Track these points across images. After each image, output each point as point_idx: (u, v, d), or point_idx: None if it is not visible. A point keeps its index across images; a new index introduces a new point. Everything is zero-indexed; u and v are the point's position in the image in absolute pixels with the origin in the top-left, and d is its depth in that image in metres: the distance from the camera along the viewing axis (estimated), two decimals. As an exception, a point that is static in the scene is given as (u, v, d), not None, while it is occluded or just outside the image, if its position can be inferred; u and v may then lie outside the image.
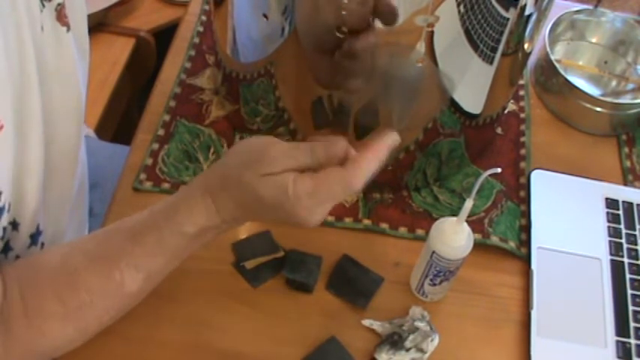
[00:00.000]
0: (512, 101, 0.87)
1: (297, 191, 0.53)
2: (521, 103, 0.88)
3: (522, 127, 0.85)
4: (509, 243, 0.73)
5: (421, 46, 0.59)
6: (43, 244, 0.61)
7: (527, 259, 0.73)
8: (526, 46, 0.68)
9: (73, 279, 0.55)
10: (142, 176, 0.75)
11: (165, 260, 0.57)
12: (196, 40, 0.89)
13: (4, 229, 0.53)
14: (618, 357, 0.67)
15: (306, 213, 0.54)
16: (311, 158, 0.54)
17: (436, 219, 0.65)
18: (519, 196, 0.78)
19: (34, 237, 0.59)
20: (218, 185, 0.56)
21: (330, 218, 0.74)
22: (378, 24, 0.56)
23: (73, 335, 0.56)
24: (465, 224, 0.62)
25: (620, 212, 0.77)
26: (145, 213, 0.58)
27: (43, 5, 0.55)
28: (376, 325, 0.66)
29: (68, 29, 0.59)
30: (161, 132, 0.78)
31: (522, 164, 0.81)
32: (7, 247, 0.56)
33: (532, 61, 0.92)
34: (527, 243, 0.74)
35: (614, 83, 0.93)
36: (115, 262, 0.55)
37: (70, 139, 0.64)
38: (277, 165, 0.53)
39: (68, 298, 0.54)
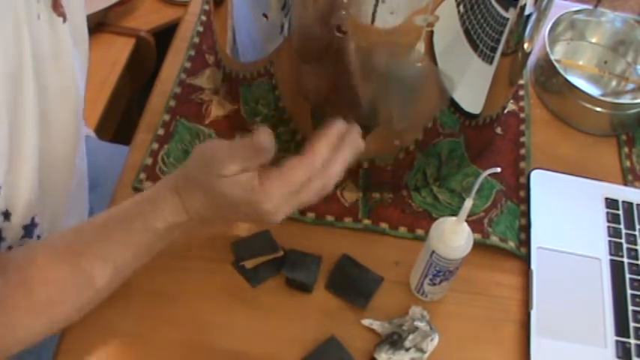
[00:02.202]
0: (512, 101, 0.87)
1: (265, 187, 0.55)
2: (521, 103, 0.88)
3: (522, 127, 0.85)
4: (508, 243, 0.73)
5: (421, 46, 0.59)
6: (39, 238, 0.61)
7: (526, 259, 0.73)
8: (526, 46, 0.68)
9: (42, 274, 0.55)
10: (142, 176, 0.75)
11: (133, 255, 0.58)
12: (196, 40, 0.89)
13: None
14: (618, 357, 0.67)
15: (269, 211, 0.56)
16: (252, 148, 0.55)
17: (436, 219, 0.66)
18: (519, 196, 0.78)
19: (29, 229, 0.59)
20: (183, 186, 0.58)
21: (330, 218, 0.74)
22: (378, 24, 0.56)
23: (39, 329, 0.56)
24: (465, 224, 0.62)
25: (620, 212, 0.77)
26: (114, 209, 0.59)
27: None
28: (376, 325, 0.66)
29: (64, 20, 0.59)
30: (161, 132, 0.78)
31: (522, 164, 0.81)
32: None
33: (532, 61, 0.92)
34: (526, 243, 0.74)
35: (614, 83, 0.93)
36: (85, 256, 0.56)
37: (66, 130, 0.64)
38: (230, 165, 0.55)
39: (37, 292, 0.55)
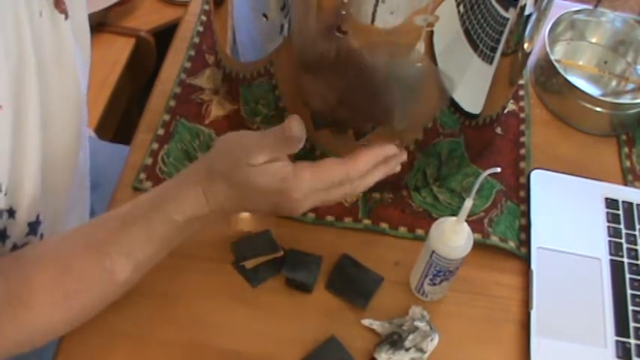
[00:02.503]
0: (512, 101, 0.87)
1: (297, 177, 0.56)
2: (521, 103, 0.88)
3: (522, 127, 0.85)
4: (508, 243, 0.73)
5: (421, 46, 0.59)
6: (42, 236, 0.61)
7: (526, 259, 0.73)
8: (526, 46, 0.68)
9: (61, 268, 0.55)
10: (142, 176, 0.75)
11: (153, 249, 0.58)
12: (196, 40, 0.89)
13: (0, 213, 0.53)
14: (618, 357, 0.67)
15: (297, 200, 0.57)
16: (282, 137, 0.56)
17: (436, 219, 0.66)
18: (519, 196, 0.78)
19: (33, 226, 0.59)
20: (205, 178, 0.58)
21: (330, 218, 0.74)
22: (378, 24, 0.56)
23: (56, 325, 0.56)
24: (465, 224, 0.62)
25: (620, 212, 0.77)
26: (133, 203, 0.59)
27: None
28: (376, 325, 0.66)
29: (66, 17, 0.59)
30: (161, 132, 0.78)
31: (522, 164, 0.81)
32: (3, 235, 0.56)
33: (532, 61, 0.92)
34: (526, 243, 0.74)
35: (614, 83, 0.93)
36: (105, 251, 0.56)
37: (69, 127, 0.64)
38: (259, 155, 0.56)
39: (57, 287, 0.54)
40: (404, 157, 0.64)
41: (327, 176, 0.57)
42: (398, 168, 0.64)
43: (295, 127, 0.55)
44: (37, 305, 0.54)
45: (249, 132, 0.58)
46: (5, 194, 0.52)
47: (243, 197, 0.58)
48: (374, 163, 0.60)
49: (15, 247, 0.58)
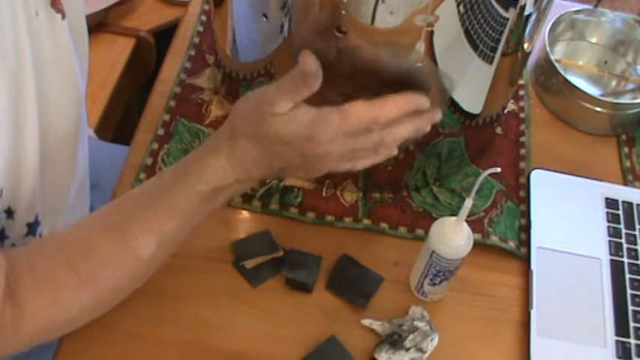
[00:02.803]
0: (512, 101, 0.87)
1: (324, 119, 0.54)
2: (521, 103, 0.88)
3: (522, 127, 0.85)
4: (508, 243, 0.73)
5: (421, 46, 0.59)
6: (41, 236, 0.61)
7: (527, 259, 0.73)
8: (526, 45, 0.68)
9: (84, 250, 0.54)
10: (142, 176, 0.75)
11: (177, 224, 0.56)
12: (196, 40, 0.89)
13: None
14: (618, 357, 0.67)
15: (326, 144, 0.55)
16: (299, 76, 0.54)
17: (436, 219, 0.66)
18: (519, 196, 0.78)
19: (32, 226, 0.59)
20: (228, 143, 0.56)
21: (330, 218, 0.74)
22: (378, 24, 0.56)
23: (87, 304, 0.55)
24: (465, 224, 0.62)
25: (620, 212, 0.77)
26: (155, 178, 0.58)
27: None
28: (376, 325, 0.66)
29: (63, 17, 0.59)
30: (161, 132, 0.78)
31: (522, 164, 0.81)
32: (2, 235, 0.56)
33: (532, 61, 0.92)
34: (526, 243, 0.74)
35: (614, 83, 0.93)
36: (128, 229, 0.55)
37: (67, 127, 0.64)
38: (282, 102, 0.54)
39: (80, 269, 0.54)
40: (438, 116, 0.60)
41: (354, 118, 0.55)
42: (428, 128, 0.60)
43: (309, 62, 0.53)
44: (62, 284, 0.53)
45: (267, 86, 0.56)
46: (1, 196, 0.52)
47: (270, 155, 0.56)
48: (403, 110, 0.56)
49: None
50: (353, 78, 0.61)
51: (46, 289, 0.52)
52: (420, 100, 0.57)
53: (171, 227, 0.56)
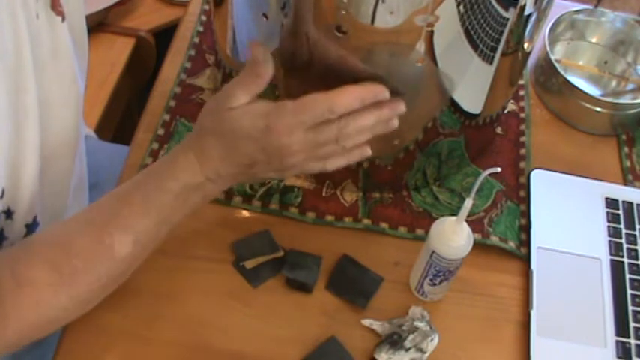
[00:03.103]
0: (512, 101, 0.87)
1: (279, 110, 0.55)
2: (521, 103, 0.88)
3: (522, 127, 0.85)
4: (508, 243, 0.73)
5: (421, 46, 0.59)
6: None
7: (527, 259, 0.73)
8: (526, 46, 0.68)
9: (64, 246, 0.55)
10: (142, 176, 0.75)
11: (152, 222, 0.57)
12: (196, 40, 0.89)
13: None
14: (618, 357, 0.67)
15: (285, 136, 0.55)
16: (250, 67, 0.56)
17: (436, 219, 0.66)
18: (519, 195, 0.78)
19: (31, 227, 0.59)
20: (197, 141, 0.58)
21: (330, 218, 0.74)
22: (378, 24, 0.56)
23: (66, 303, 0.55)
24: (465, 224, 0.62)
25: (620, 212, 0.77)
26: (131, 179, 0.59)
27: None
28: (376, 325, 0.66)
29: (63, 19, 0.59)
30: (161, 132, 0.78)
31: (522, 164, 0.81)
32: (1, 236, 0.56)
33: (532, 61, 0.92)
34: (526, 243, 0.74)
35: (614, 83, 0.93)
36: (105, 226, 0.56)
37: (67, 129, 0.64)
38: (238, 94, 0.56)
39: (60, 265, 0.54)
40: (401, 107, 0.58)
41: (309, 107, 0.54)
42: (395, 123, 0.59)
43: (256, 50, 0.54)
44: (42, 282, 0.53)
45: (227, 83, 0.58)
46: (1, 197, 0.52)
47: (234, 150, 0.57)
48: (360, 99, 0.55)
49: None
50: (330, 76, 0.60)
51: (29, 289, 0.53)
52: (377, 89, 0.56)
53: (146, 225, 0.57)
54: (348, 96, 0.55)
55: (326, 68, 0.60)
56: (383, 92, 0.56)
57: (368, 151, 0.60)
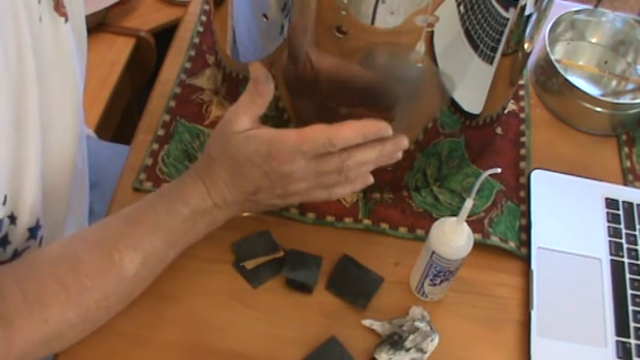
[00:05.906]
0: (512, 101, 0.87)
1: (282, 136, 0.56)
2: (521, 103, 0.88)
3: (522, 127, 0.85)
4: (509, 243, 0.73)
5: (421, 46, 0.59)
6: (42, 239, 0.61)
7: (527, 259, 0.73)
8: (526, 46, 0.68)
9: (73, 264, 0.55)
10: (142, 176, 0.75)
11: (161, 243, 0.58)
12: (196, 40, 0.89)
13: (1, 221, 0.53)
14: (618, 357, 0.67)
15: (287, 164, 0.56)
16: (252, 87, 0.58)
17: (436, 219, 0.65)
18: (519, 196, 0.78)
19: (33, 231, 0.59)
20: (205, 167, 0.59)
21: (330, 218, 0.74)
22: (378, 24, 0.56)
23: (74, 321, 0.56)
24: (465, 224, 0.62)
25: (620, 212, 0.77)
26: (143, 199, 0.60)
27: None
28: (376, 325, 0.66)
29: (66, 20, 0.59)
30: (161, 132, 0.78)
31: (522, 164, 0.81)
32: (5, 241, 0.56)
33: (532, 61, 0.92)
34: (527, 243, 0.74)
35: (614, 83, 0.93)
36: (114, 245, 0.56)
37: (68, 130, 0.64)
38: (240, 119, 0.57)
39: (69, 283, 0.54)
40: (404, 142, 0.60)
41: (311, 138, 0.56)
42: (399, 155, 0.61)
43: (255, 69, 0.56)
44: (51, 301, 0.54)
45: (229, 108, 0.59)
46: (4, 204, 0.52)
47: (238, 175, 0.58)
48: (362, 134, 0.57)
49: (16, 253, 0.58)
50: (339, 92, 0.62)
51: (37, 308, 0.53)
52: (380, 126, 0.57)
53: (155, 246, 0.58)
54: (349, 131, 0.56)
55: (333, 85, 0.61)
56: (386, 129, 0.58)
57: (370, 179, 0.61)
